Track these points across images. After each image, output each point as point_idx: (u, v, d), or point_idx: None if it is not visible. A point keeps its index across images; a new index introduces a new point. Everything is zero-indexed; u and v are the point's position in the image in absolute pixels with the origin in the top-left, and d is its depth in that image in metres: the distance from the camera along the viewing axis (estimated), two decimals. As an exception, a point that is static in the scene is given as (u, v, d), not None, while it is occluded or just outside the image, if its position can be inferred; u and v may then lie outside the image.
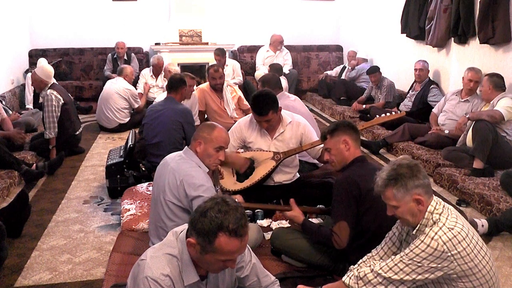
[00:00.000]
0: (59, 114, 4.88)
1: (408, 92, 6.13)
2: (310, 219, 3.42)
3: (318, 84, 8.37)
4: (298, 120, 3.62)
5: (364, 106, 6.69)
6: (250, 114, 3.66)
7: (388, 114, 3.74)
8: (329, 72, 8.37)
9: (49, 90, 4.87)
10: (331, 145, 2.73)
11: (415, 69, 5.91)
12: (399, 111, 4.23)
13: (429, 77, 5.93)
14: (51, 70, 5.08)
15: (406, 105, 6.02)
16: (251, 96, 3.54)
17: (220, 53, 7.16)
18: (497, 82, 4.45)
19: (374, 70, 6.68)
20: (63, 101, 4.91)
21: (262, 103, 3.41)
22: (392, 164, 2.10)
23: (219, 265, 1.81)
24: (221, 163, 2.86)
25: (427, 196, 2.05)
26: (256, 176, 3.50)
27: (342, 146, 2.68)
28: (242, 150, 3.81)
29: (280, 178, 3.63)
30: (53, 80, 5.13)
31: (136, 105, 6.33)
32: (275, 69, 6.62)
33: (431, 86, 5.77)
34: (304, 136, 3.56)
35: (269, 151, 3.54)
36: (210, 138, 2.69)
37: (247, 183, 3.51)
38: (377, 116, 3.86)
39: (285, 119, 3.58)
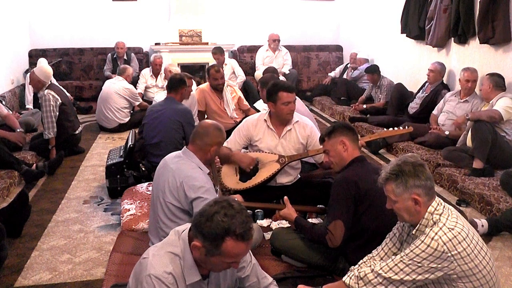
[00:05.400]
0: (57, 114, 4.87)
1: (418, 91, 5.87)
2: (310, 219, 3.44)
3: (318, 86, 8.36)
4: (305, 122, 3.64)
5: (364, 106, 6.68)
6: (257, 113, 3.67)
7: (395, 128, 3.72)
8: (332, 74, 8.33)
9: (46, 91, 4.85)
10: (329, 147, 2.73)
11: (428, 69, 5.61)
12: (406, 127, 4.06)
13: (442, 80, 5.63)
14: (50, 70, 5.07)
15: (413, 107, 5.73)
16: (272, 84, 3.56)
17: (218, 51, 7.14)
18: (497, 81, 4.45)
19: (373, 70, 6.68)
20: (60, 101, 4.91)
21: (287, 83, 3.56)
22: (398, 160, 2.11)
23: (224, 266, 1.82)
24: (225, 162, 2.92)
25: (427, 197, 2.05)
26: (259, 178, 3.51)
27: (340, 147, 2.69)
28: (244, 151, 3.80)
29: (282, 179, 3.63)
30: (53, 81, 5.13)
31: (137, 103, 6.33)
32: (272, 71, 6.61)
33: (442, 91, 5.45)
34: (310, 138, 3.57)
35: (275, 154, 3.54)
36: (222, 140, 2.79)
37: (249, 183, 3.52)
38: (384, 129, 3.88)
39: (293, 117, 3.59)
